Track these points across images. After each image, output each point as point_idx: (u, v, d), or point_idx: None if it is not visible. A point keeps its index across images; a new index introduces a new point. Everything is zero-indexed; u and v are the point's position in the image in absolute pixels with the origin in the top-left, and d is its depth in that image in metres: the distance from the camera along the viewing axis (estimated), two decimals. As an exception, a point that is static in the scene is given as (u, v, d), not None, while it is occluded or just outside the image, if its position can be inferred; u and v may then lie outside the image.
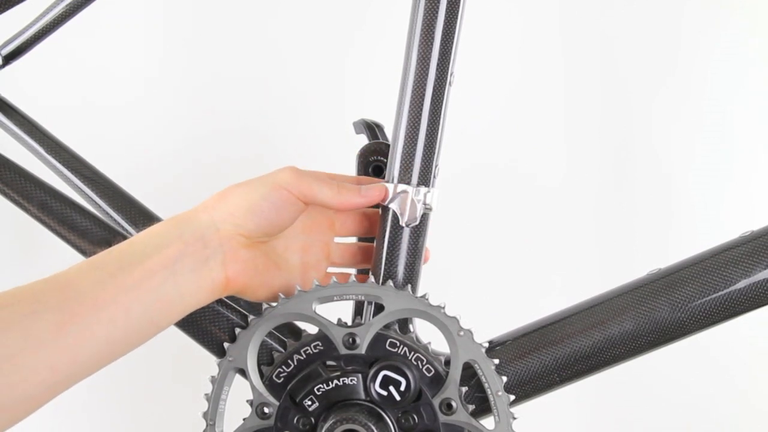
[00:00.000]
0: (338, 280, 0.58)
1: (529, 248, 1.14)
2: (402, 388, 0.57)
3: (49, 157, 0.75)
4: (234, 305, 0.62)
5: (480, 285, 1.13)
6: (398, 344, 0.58)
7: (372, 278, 0.59)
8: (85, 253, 0.64)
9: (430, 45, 0.58)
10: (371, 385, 0.57)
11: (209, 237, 0.54)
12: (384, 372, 0.57)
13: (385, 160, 0.68)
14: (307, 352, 0.58)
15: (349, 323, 0.60)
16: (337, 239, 0.64)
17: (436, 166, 0.60)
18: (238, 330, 0.59)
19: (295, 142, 1.16)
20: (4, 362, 0.44)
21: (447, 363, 0.58)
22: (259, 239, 0.57)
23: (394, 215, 0.60)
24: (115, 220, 0.70)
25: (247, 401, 0.59)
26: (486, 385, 0.57)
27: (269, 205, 0.56)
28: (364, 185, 0.60)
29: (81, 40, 1.13)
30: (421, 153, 0.59)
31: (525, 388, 0.60)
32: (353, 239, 0.66)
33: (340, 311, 0.63)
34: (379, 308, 0.59)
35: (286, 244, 0.60)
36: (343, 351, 0.58)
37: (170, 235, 0.53)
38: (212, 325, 0.61)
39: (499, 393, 0.57)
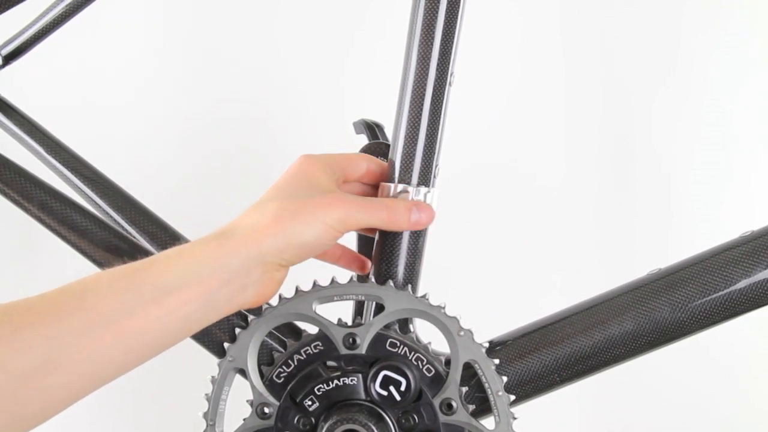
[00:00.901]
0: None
1: (529, 248, 1.14)
2: (402, 388, 0.57)
3: (49, 157, 0.75)
4: (234, 305, 0.62)
5: (480, 285, 1.13)
6: (398, 344, 0.58)
7: (372, 278, 0.59)
8: (85, 253, 0.64)
9: (430, 45, 0.58)
10: (371, 385, 0.57)
11: (253, 269, 0.52)
12: (384, 372, 0.57)
13: (385, 160, 0.68)
14: (308, 352, 0.58)
15: (349, 323, 0.60)
16: None
17: (436, 166, 0.60)
18: (238, 330, 0.59)
19: (296, 142, 1.16)
20: (20, 383, 0.43)
21: (447, 363, 0.58)
22: None
23: (394, 215, 0.60)
24: (115, 220, 0.70)
25: (247, 401, 0.59)
26: (486, 385, 0.57)
27: (319, 246, 0.54)
28: (415, 208, 0.58)
29: (81, 40, 1.13)
30: (421, 153, 0.59)
31: (525, 388, 0.60)
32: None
33: (340, 311, 0.63)
34: (379, 308, 0.59)
35: None
36: (344, 351, 0.58)
37: (211, 267, 0.51)
38: (212, 325, 0.60)
39: (500, 393, 0.57)
